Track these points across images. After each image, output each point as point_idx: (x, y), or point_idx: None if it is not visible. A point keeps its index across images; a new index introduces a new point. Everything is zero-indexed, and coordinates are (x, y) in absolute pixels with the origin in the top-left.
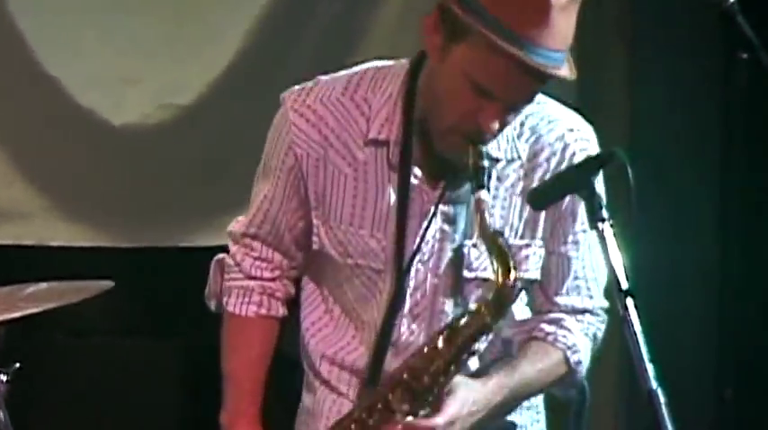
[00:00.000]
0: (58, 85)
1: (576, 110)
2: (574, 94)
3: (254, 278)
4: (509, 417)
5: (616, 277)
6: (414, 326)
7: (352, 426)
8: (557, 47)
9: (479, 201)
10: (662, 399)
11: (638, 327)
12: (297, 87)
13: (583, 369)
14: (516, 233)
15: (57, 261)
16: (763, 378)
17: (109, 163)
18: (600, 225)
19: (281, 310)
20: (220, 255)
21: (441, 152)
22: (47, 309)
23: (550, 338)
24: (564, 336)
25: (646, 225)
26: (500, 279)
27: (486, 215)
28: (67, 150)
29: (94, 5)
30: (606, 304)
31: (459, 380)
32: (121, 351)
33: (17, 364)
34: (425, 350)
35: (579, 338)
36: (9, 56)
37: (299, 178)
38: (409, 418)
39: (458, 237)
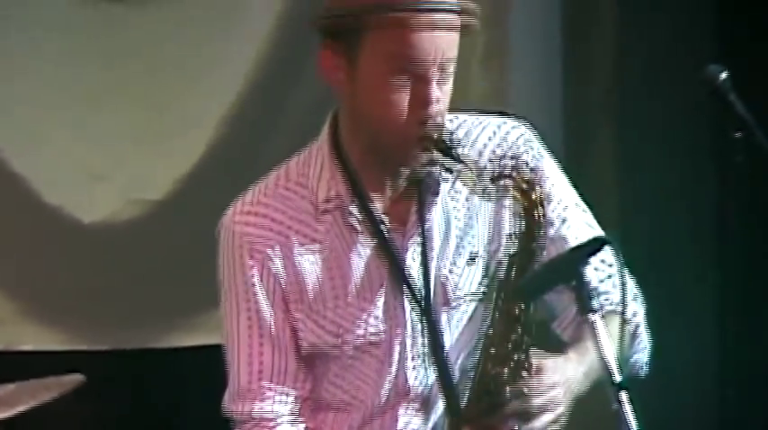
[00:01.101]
0: (24, 183)
1: None
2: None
3: (280, 423)
4: None
5: (609, 369)
6: (420, 370)
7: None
8: None
9: (462, 175)
10: None
11: (633, 423)
12: (227, 211)
13: (640, 321)
14: (486, 239)
15: (26, 367)
16: None
17: (79, 262)
18: (591, 316)
19: None
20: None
21: (407, 164)
22: (17, 412)
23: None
24: (606, 299)
25: None
26: (525, 202)
27: (476, 178)
28: (36, 250)
29: (59, 100)
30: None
31: (542, 360)
32: None
33: None
34: (492, 332)
35: (618, 295)
36: None
37: (272, 284)
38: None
39: (435, 263)
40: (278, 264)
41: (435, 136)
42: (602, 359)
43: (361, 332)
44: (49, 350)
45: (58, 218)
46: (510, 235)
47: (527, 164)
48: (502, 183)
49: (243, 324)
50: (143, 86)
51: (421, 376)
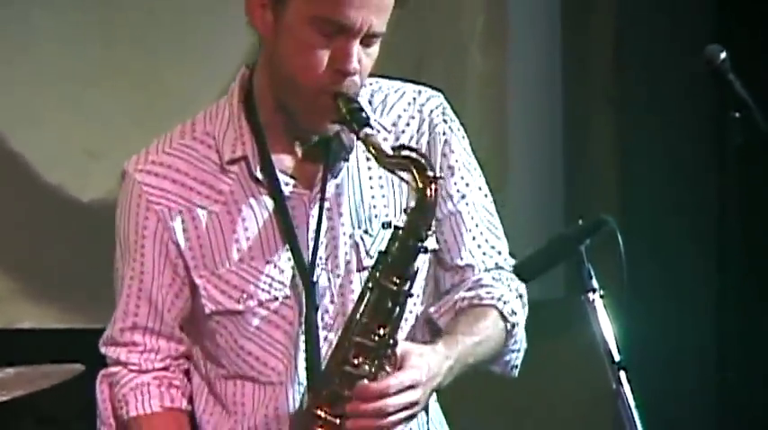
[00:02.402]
0: (23, 162)
1: (564, 177)
2: (560, 160)
3: (147, 371)
4: None
5: (608, 350)
6: (331, 336)
7: (318, 413)
8: None
9: (367, 138)
10: None
11: (632, 402)
12: (133, 155)
13: (519, 321)
14: (401, 206)
15: (24, 346)
16: None
17: (78, 240)
18: (590, 295)
19: (185, 403)
20: (103, 371)
21: (312, 132)
22: (16, 396)
23: (476, 301)
24: (488, 293)
25: (638, 294)
26: (420, 190)
27: (381, 145)
28: (35, 229)
29: (58, 80)
30: (511, 261)
31: (408, 347)
32: None
33: None
34: (363, 302)
35: (503, 290)
36: None
37: (165, 242)
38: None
39: (348, 228)
40: (177, 223)
41: (348, 94)
42: (602, 339)
43: (263, 296)
44: (46, 328)
45: (57, 196)
46: (403, 209)
47: (442, 134)
48: (402, 154)
49: (126, 277)
50: (141, 66)
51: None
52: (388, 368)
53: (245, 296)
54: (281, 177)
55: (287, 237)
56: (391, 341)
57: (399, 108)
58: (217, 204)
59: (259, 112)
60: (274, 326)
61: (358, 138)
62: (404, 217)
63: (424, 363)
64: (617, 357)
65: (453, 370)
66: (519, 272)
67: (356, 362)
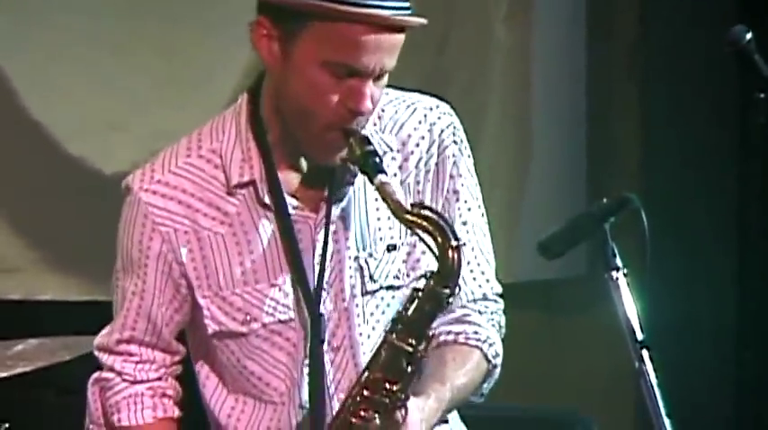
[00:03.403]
0: (45, 133)
1: (587, 155)
2: (584, 138)
3: (141, 382)
4: None
5: (632, 328)
6: (338, 359)
7: None
8: None
9: (382, 186)
10: None
11: (654, 381)
12: (137, 170)
13: (499, 361)
14: (406, 229)
15: (46, 317)
16: None
17: (101, 213)
18: (614, 273)
19: (176, 411)
20: (96, 375)
21: (320, 162)
22: (37, 368)
23: (461, 338)
24: (475, 332)
25: (661, 272)
26: (439, 250)
27: (396, 196)
28: (57, 200)
29: (80, 51)
30: (500, 289)
31: (412, 409)
32: None
33: (6, 424)
34: (377, 357)
35: (489, 331)
36: None
37: (169, 262)
38: None
39: (352, 252)
40: (183, 244)
41: (362, 133)
42: (625, 317)
43: (267, 319)
44: (67, 300)
45: (80, 168)
46: (424, 273)
47: (452, 156)
48: (422, 214)
49: (127, 291)
50: (164, 37)
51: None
52: (396, 417)
53: (248, 318)
54: (288, 200)
55: (293, 261)
56: (403, 396)
57: (410, 126)
58: (223, 226)
59: (267, 133)
60: (278, 348)
61: (372, 184)
62: (423, 281)
63: (424, 420)
64: (639, 336)
65: (445, 412)
66: (543, 250)
67: (364, 415)
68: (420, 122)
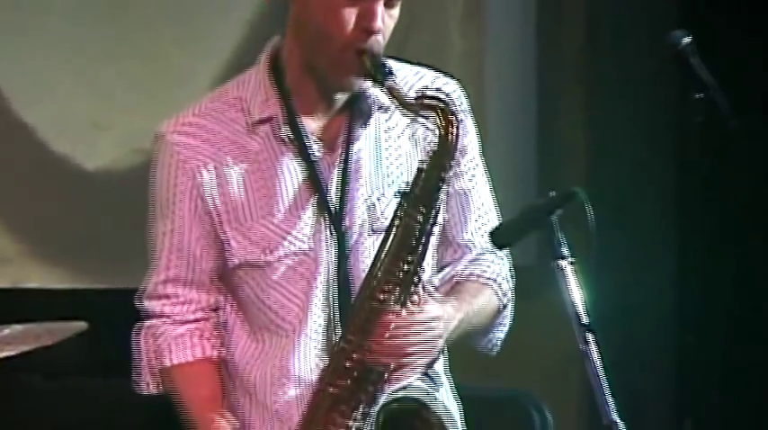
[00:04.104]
0: (31, 132)
1: (537, 153)
2: (533, 134)
3: (182, 323)
4: None
5: (577, 314)
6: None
7: (345, 355)
8: None
9: (391, 88)
10: None
11: (598, 362)
12: (166, 120)
13: (509, 303)
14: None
15: (31, 304)
16: (721, 407)
17: (83, 206)
18: (561, 262)
19: (216, 353)
20: (141, 324)
21: (340, 86)
22: (22, 352)
23: (473, 277)
24: (485, 271)
25: (605, 261)
26: (442, 130)
27: (404, 93)
28: (42, 195)
29: (65, 55)
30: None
31: (430, 294)
32: (95, 391)
33: None
34: (393, 232)
35: (498, 271)
36: None
37: (196, 198)
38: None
39: (364, 190)
40: (207, 180)
41: (373, 50)
42: (571, 303)
43: (287, 249)
44: (51, 288)
45: (65, 165)
46: (427, 150)
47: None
48: (425, 102)
49: (160, 233)
50: (143, 43)
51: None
52: (412, 301)
53: (269, 249)
54: (307, 139)
55: (310, 196)
56: (416, 275)
57: (418, 88)
58: (245, 162)
59: (285, 77)
60: (294, 281)
61: (382, 89)
62: (427, 159)
63: (443, 305)
64: (585, 320)
65: (459, 326)
66: (494, 239)
67: (382, 297)
68: (427, 86)
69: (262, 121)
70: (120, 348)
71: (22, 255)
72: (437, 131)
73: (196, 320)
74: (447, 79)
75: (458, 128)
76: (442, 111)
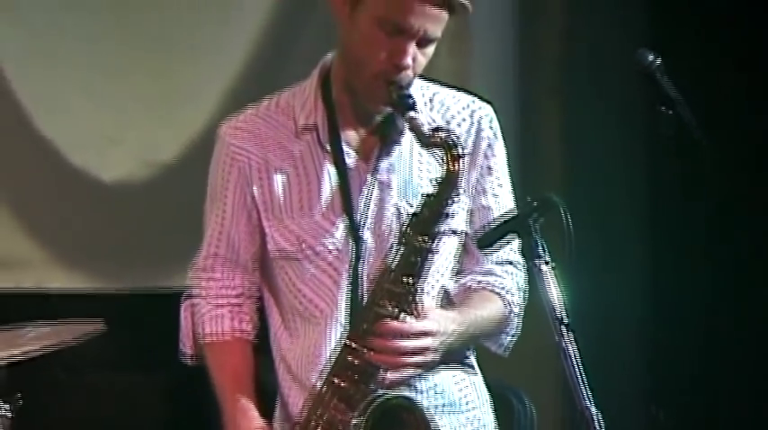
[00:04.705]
0: (51, 146)
1: (517, 161)
2: (514, 147)
3: (222, 305)
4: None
5: (554, 310)
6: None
7: (349, 354)
8: None
9: (411, 120)
10: (596, 418)
11: (574, 355)
12: (228, 119)
13: (517, 310)
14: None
15: (53, 304)
16: (689, 397)
17: (100, 215)
18: (539, 264)
19: (251, 332)
20: (187, 299)
21: (371, 111)
22: (46, 349)
23: (488, 286)
24: (499, 283)
25: (581, 261)
26: (448, 164)
27: (420, 125)
28: (63, 204)
29: (81, 73)
30: (521, 259)
31: (431, 305)
32: (113, 385)
33: (19, 399)
34: (395, 254)
35: (511, 284)
36: (8, 119)
37: (244, 191)
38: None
39: (395, 199)
40: (254, 176)
41: (400, 83)
42: (550, 301)
43: (319, 247)
44: (72, 289)
45: (82, 176)
46: (431, 179)
47: (487, 139)
48: (437, 135)
49: (212, 217)
50: (155, 62)
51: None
52: (410, 313)
53: (303, 245)
54: (345, 149)
55: (344, 200)
56: (414, 289)
57: (454, 110)
58: (288, 164)
59: (332, 91)
60: (324, 273)
61: (403, 119)
62: (433, 186)
63: (440, 320)
64: (562, 317)
65: (458, 335)
66: (478, 243)
67: (383, 304)
68: (463, 109)
69: (306, 129)
70: (135, 346)
71: (44, 259)
72: (444, 166)
73: (237, 304)
74: (482, 103)
75: (462, 163)
76: (449, 147)
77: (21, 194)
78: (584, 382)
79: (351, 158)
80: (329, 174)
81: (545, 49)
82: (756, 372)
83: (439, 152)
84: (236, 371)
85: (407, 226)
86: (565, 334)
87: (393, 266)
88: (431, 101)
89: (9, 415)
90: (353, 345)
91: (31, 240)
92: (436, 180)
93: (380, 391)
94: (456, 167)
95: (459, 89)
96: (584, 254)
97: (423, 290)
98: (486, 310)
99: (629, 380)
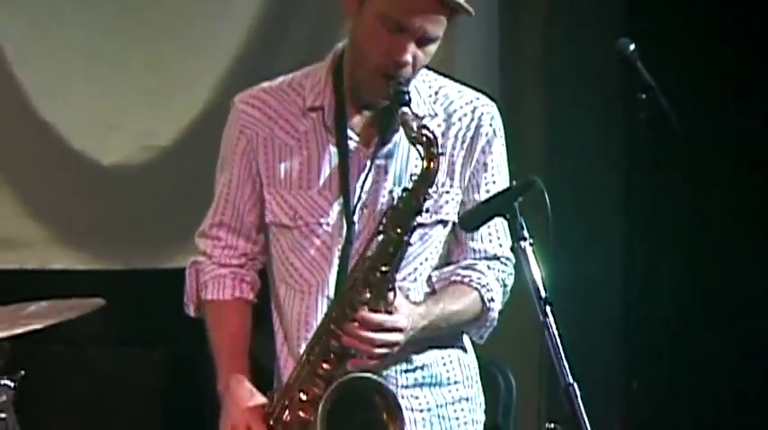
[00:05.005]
0: (53, 130)
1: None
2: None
3: (225, 266)
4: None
5: (536, 287)
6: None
7: (326, 334)
8: None
9: (402, 114)
10: (577, 392)
11: (555, 330)
12: (245, 90)
13: (495, 307)
14: (439, 181)
15: (55, 283)
16: (664, 369)
17: (100, 197)
18: (522, 243)
19: (251, 295)
20: (193, 259)
21: (371, 101)
22: (47, 325)
23: (467, 280)
24: (478, 278)
25: (561, 241)
26: (425, 162)
27: (410, 121)
28: (64, 187)
29: (81, 62)
30: (511, 256)
31: (403, 301)
32: (112, 359)
33: (22, 372)
34: (374, 242)
35: (491, 280)
36: (11, 105)
37: (251, 160)
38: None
39: (389, 184)
40: (260, 146)
41: (399, 78)
42: (532, 279)
43: (311, 220)
44: (73, 269)
45: (82, 160)
46: (411, 175)
47: (485, 135)
48: (421, 132)
49: (220, 184)
50: (152, 54)
51: None
52: (383, 303)
53: (297, 216)
54: (348, 133)
55: (341, 180)
56: (390, 278)
57: (457, 104)
58: (293, 139)
59: (344, 75)
60: (314, 247)
61: (396, 113)
62: (411, 182)
63: (411, 316)
64: (543, 294)
65: (425, 329)
66: (463, 223)
67: (361, 290)
68: (466, 104)
69: (313, 109)
70: (133, 322)
71: (46, 240)
72: (422, 163)
73: (239, 266)
74: (485, 100)
75: (438, 162)
76: (428, 146)
77: (23, 178)
78: (564, 358)
79: (352, 142)
80: (330, 154)
81: (528, 39)
82: (723, 344)
83: (420, 149)
84: (233, 332)
85: (385, 217)
86: (548, 312)
87: (371, 254)
88: (436, 93)
89: (12, 386)
90: (332, 327)
91: (34, 222)
92: (414, 176)
93: (349, 370)
94: (432, 166)
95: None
96: (563, 234)
97: (397, 279)
98: (459, 304)
99: (605, 352)
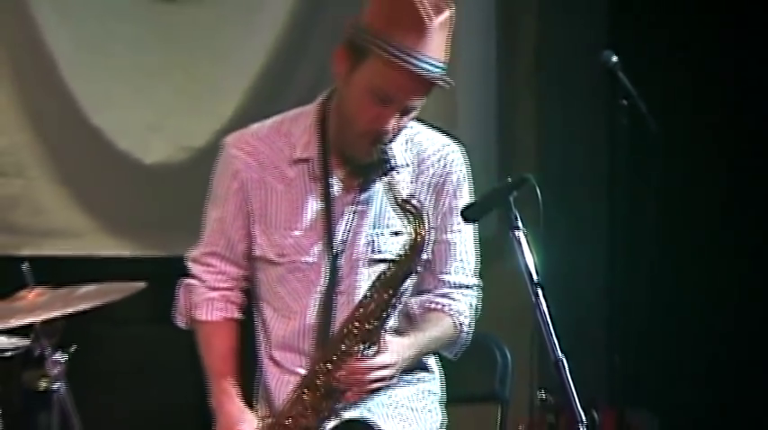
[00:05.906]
0: (101, 134)
1: (497, 147)
2: (494, 132)
3: (216, 289)
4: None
5: (529, 272)
6: (341, 299)
7: (319, 375)
8: (435, 57)
9: (390, 182)
10: (566, 365)
11: (546, 310)
12: (235, 132)
13: (468, 330)
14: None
15: (103, 268)
16: (643, 346)
17: (142, 193)
18: (516, 233)
19: (239, 314)
20: (185, 280)
21: (355, 159)
22: (95, 306)
23: (440, 307)
24: (451, 306)
25: (551, 231)
26: (414, 232)
27: (397, 190)
28: (111, 184)
29: (125, 72)
30: (477, 281)
31: (391, 338)
32: (152, 336)
33: (73, 348)
34: (365, 301)
35: (463, 307)
36: (65, 113)
37: (243, 199)
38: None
39: (368, 229)
40: (252, 189)
41: (383, 143)
42: (525, 265)
43: (295, 258)
44: (118, 256)
45: (127, 159)
46: (404, 244)
47: (455, 181)
48: (410, 204)
49: (212, 218)
50: (187, 63)
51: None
52: (373, 349)
53: (283, 254)
54: (332, 181)
55: (324, 223)
56: (379, 331)
57: (430, 151)
58: (282, 184)
59: (329, 125)
60: (299, 282)
61: (382, 180)
62: (401, 252)
63: (399, 350)
64: (535, 278)
65: (413, 358)
66: (465, 215)
67: (352, 344)
68: (438, 150)
69: (302, 160)
70: (172, 303)
71: (95, 230)
72: (411, 233)
73: (228, 289)
74: (454, 147)
75: (427, 239)
76: (417, 219)
77: (76, 176)
78: (554, 334)
79: (334, 189)
80: (315, 199)
81: (520, 54)
82: (698, 323)
83: (407, 219)
84: (223, 354)
85: (378, 280)
86: (539, 294)
87: (362, 312)
88: (411, 140)
89: (64, 360)
90: (324, 369)
91: (85, 214)
92: (405, 245)
93: (342, 409)
94: (422, 238)
95: (440, 130)
96: (553, 225)
97: (385, 331)
98: (437, 330)
99: (591, 331)
